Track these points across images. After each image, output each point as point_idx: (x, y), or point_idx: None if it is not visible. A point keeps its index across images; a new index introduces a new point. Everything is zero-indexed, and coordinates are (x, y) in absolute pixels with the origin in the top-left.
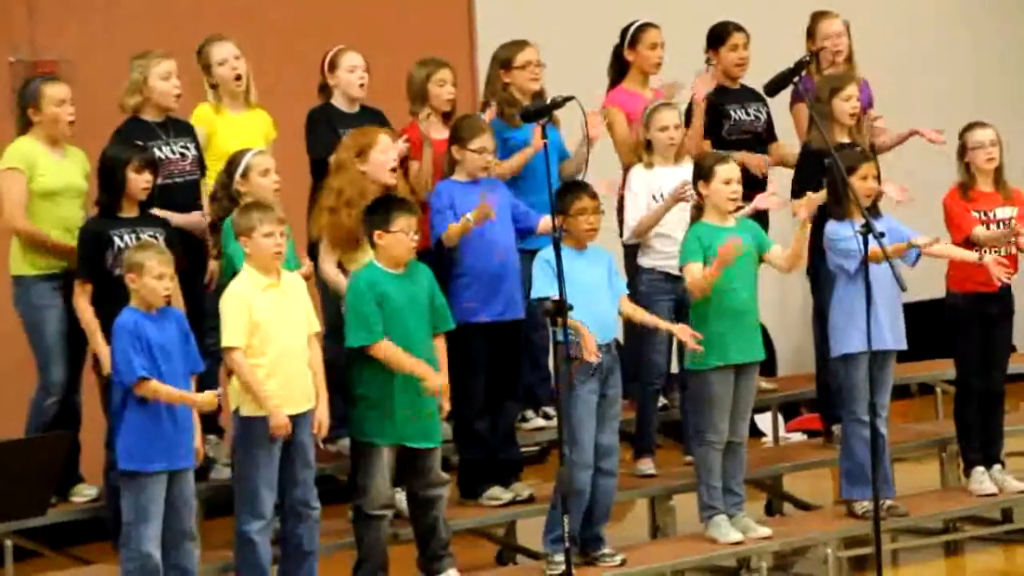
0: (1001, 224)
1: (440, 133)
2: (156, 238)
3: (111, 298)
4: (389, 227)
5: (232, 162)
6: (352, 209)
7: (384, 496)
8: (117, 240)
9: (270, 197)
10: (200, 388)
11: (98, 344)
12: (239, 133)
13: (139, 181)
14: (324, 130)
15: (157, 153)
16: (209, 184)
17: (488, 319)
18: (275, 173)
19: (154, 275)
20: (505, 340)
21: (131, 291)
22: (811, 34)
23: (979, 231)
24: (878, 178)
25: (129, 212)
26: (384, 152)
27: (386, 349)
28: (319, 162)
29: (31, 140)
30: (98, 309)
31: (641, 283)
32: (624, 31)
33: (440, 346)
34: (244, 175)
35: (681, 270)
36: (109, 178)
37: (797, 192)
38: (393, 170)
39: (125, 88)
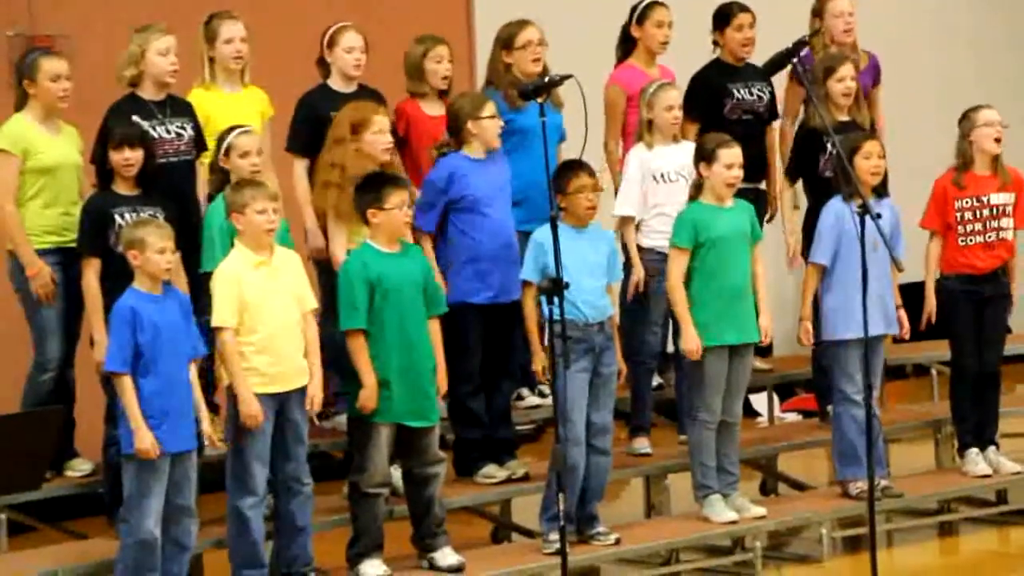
0: (995, 210)
1: (434, 110)
2: (156, 217)
3: (116, 275)
4: (383, 204)
5: (220, 139)
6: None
7: (381, 474)
8: (118, 218)
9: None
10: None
11: (98, 326)
12: (233, 112)
13: (117, 159)
14: (303, 125)
15: (151, 132)
16: (206, 164)
17: (485, 300)
18: (256, 155)
19: (156, 250)
20: (501, 319)
21: (134, 268)
22: (818, 12)
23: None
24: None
25: (125, 190)
26: (379, 133)
27: (354, 343)
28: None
29: (24, 119)
30: (103, 286)
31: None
32: (633, 8)
33: (434, 328)
34: (226, 153)
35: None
36: (97, 153)
37: (792, 170)
38: (387, 151)
39: (122, 60)
